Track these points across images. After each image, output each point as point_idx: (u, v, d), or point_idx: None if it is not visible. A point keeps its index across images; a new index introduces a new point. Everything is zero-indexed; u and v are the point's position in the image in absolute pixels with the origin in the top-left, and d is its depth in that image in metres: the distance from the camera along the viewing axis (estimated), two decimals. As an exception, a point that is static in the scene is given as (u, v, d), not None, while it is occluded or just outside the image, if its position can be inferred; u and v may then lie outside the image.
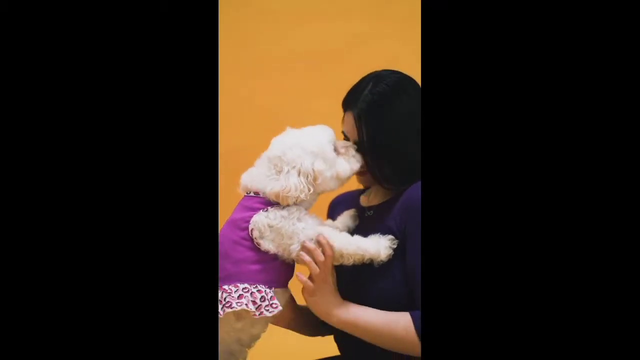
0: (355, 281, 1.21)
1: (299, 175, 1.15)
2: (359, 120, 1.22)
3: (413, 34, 2.33)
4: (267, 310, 1.12)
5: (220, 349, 1.16)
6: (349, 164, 1.22)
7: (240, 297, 1.12)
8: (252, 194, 1.19)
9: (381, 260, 1.16)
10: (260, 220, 1.15)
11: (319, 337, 1.43)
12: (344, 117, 1.28)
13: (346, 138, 1.27)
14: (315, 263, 1.15)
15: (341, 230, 1.23)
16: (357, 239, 1.18)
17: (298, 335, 1.41)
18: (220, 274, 1.13)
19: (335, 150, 1.21)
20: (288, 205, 1.17)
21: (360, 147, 1.23)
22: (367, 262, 1.16)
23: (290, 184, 1.14)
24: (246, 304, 1.11)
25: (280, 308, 1.13)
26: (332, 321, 1.18)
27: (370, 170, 1.24)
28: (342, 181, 1.23)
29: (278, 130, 1.24)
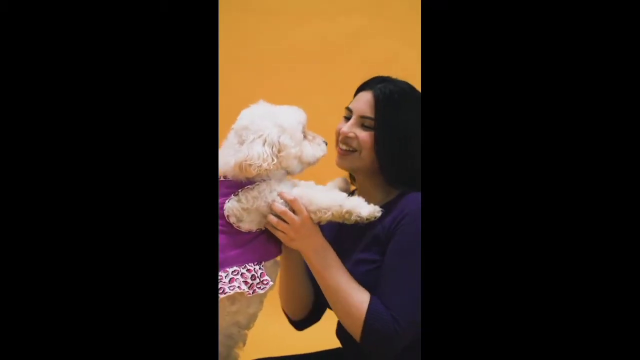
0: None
1: (264, 144, 1.14)
2: (377, 100, 1.22)
3: (412, 31, 2.33)
4: (260, 287, 1.12)
5: (220, 334, 1.16)
6: (313, 150, 1.21)
7: (231, 280, 1.11)
8: (221, 178, 1.18)
9: (360, 217, 1.15)
10: (234, 206, 1.15)
11: (319, 331, 1.45)
12: (356, 95, 1.29)
13: (347, 116, 1.27)
14: (287, 222, 1.14)
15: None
16: (334, 193, 1.18)
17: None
18: None
19: (304, 134, 1.21)
20: (256, 184, 1.15)
21: (370, 124, 1.22)
22: (350, 219, 1.15)
23: (254, 152, 1.12)
24: (238, 287, 1.10)
25: (272, 283, 1.13)
26: (308, 259, 1.18)
27: (376, 149, 1.22)
28: (303, 165, 1.21)
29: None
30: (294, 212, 1.15)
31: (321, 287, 1.19)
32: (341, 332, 1.31)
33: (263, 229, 1.17)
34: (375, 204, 1.22)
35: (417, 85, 1.17)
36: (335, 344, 1.39)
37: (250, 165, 1.12)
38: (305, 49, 2.86)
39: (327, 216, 1.16)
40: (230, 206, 1.15)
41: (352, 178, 1.37)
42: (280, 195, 1.15)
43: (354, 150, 1.24)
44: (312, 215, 1.16)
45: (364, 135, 1.23)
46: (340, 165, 1.27)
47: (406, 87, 1.26)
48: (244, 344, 1.24)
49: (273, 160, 1.14)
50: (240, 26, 2.83)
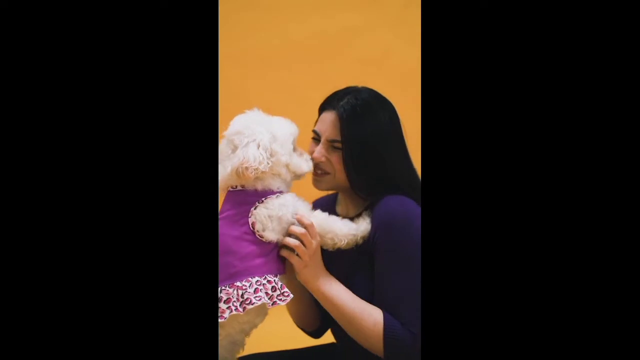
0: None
1: (258, 147, 1.14)
2: (341, 119, 1.22)
3: (408, 25, 2.35)
4: (280, 299, 1.13)
5: (225, 341, 1.18)
6: (300, 163, 1.22)
7: (256, 291, 1.12)
8: (238, 188, 1.18)
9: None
10: (261, 212, 1.15)
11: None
12: (319, 117, 1.29)
13: (316, 137, 1.27)
14: (304, 245, 1.16)
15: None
16: (347, 221, 1.20)
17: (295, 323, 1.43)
18: (229, 271, 1.13)
19: (293, 147, 1.22)
20: (278, 194, 1.17)
21: (339, 145, 1.22)
22: (359, 243, 1.19)
23: (249, 155, 1.13)
24: (262, 298, 1.11)
25: (291, 296, 1.14)
26: (316, 290, 1.19)
27: (346, 169, 1.23)
28: (292, 175, 1.22)
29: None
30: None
31: (332, 314, 1.20)
32: (335, 328, 1.31)
33: (280, 241, 1.18)
34: (355, 207, 1.28)
35: (417, 82, 1.17)
36: (330, 339, 1.40)
37: (247, 168, 1.13)
38: (303, 45, 2.86)
39: (342, 244, 1.19)
40: (258, 212, 1.16)
41: None
42: (298, 219, 1.17)
43: (328, 173, 1.26)
44: (329, 241, 1.18)
45: (335, 158, 1.24)
46: (317, 187, 1.28)
47: (368, 96, 1.25)
48: (243, 349, 1.26)
49: (268, 163, 1.15)
50: (240, 21, 2.83)
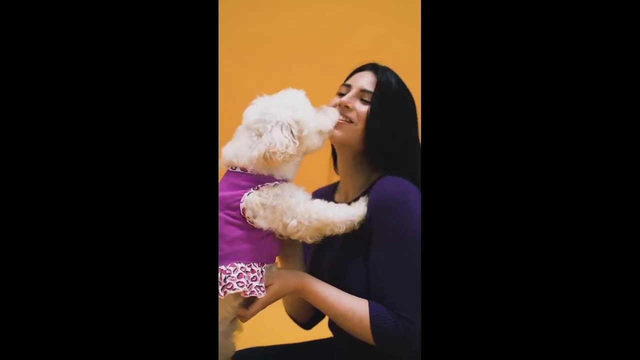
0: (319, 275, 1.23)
1: (282, 130, 1.14)
2: (380, 80, 1.26)
3: (405, 16, 2.34)
4: (257, 291, 1.12)
5: (220, 328, 1.17)
6: (328, 117, 1.23)
7: (239, 276, 1.12)
8: (238, 170, 1.17)
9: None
10: (253, 199, 1.14)
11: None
12: (354, 74, 1.32)
13: (344, 91, 1.29)
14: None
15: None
16: (344, 206, 1.20)
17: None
18: None
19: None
20: (276, 182, 1.16)
21: (369, 98, 1.25)
22: (357, 227, 1.19)
23: (275, 140, 1.13)
24: (244, 284, 1.11)
25: (263, 295, 1.14)
26: (303, 288, 1.20)
27: (368, 122, 1.24)
28: (324, 136, 1.22)
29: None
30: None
31: (325, 312, 1.21)
32: (333, 323, 1.31)
33: (272, 230, 1.17)
34: (355, 189, 1.29)
35: (415, 73, 1.16)
36: (327, 333, 1.39)
37: (274, 153, 1.12)
38: (300, 36, 2.86)
39: (340, 231, 1.18)
40: (250, 199, 1.15)
41: (335, 165, 1.39)
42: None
43: (350, 122, 1.26)
44: (328, 231, 1.18)
45: (364, 109, 1.26)
46: (334, 136, 1.27)
47: (402, 81, 1.29)
48: (240, 330, 1.26)
49: (295, 143, 1.15)
50: (238, 13, 2.83)
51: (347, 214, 1.18)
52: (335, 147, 1.34)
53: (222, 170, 1.20)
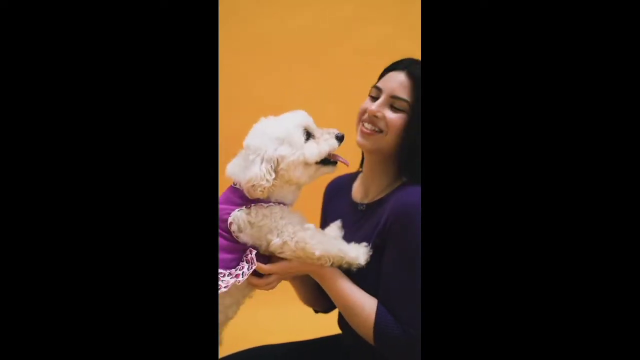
0: None
1: (261, 162, 1.14)
2: (413, 80, 1.20)
3: (407, 15, 2.34)
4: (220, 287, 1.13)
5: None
6: (318, 146, 1.19)
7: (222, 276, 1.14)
8: (237, 186, 1.20)
9: (359, 264, 1.18)
10: (241, 217, 1.16)
11: (322, 315, 1.46)
12: (385, 75, 1.26)
13: (376, 94, 1.24)
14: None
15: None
16: (339, 242, 1.20)
17: (302, 313, 1.44)
18: None
19: (309, 133, 1.20)
20: (270, 204, 1.17)
21: (401, 105, 1.20)
22: (345, 266, 1.19)
23: (253, 173, 1.14)
24: (221, 288, 1.12)
25: (223, 290, 1.14)
26: (321, 271, 1.20)
27: (406, 134, 1.19)
28: (310, 168, 1.19)
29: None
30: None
31: (335, 302, 1.21)
32: (342, 320, 1.31)
33: (257, 246, 1.18)
34: (377, 192, 1.26)
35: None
36: (335, 330, 1.40)
37: (253, 186, 1.14)
38: (301, 35, 2.86)
39: (327, 263, 1.18)
40: (238, 215, 1.16)
41: (362, 162, 1.36)
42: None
43: (380, 131, 1.22)
44: (315, 260, 1.17)
45: (394, 118, 1.20)
46: (362, 144, 1.24)
47: None
48: (250, 297, 1.27)
49: (272, 176, 1.14)
50: (239, 14, 2.83)
51: (338, 249, 1.18)
52: (364, 152, 1.32)
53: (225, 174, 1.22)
